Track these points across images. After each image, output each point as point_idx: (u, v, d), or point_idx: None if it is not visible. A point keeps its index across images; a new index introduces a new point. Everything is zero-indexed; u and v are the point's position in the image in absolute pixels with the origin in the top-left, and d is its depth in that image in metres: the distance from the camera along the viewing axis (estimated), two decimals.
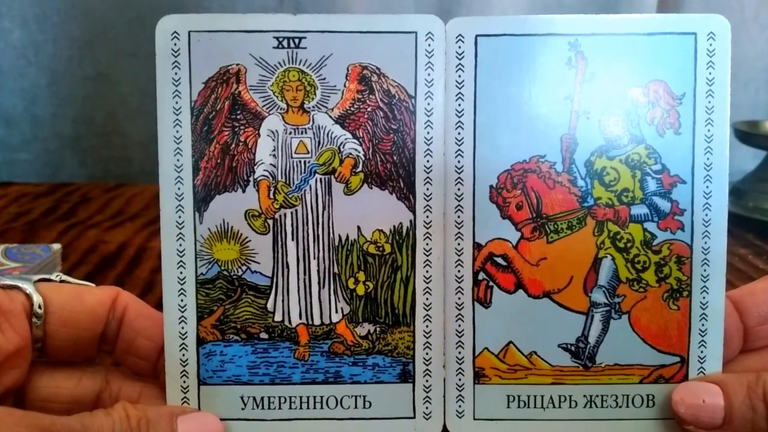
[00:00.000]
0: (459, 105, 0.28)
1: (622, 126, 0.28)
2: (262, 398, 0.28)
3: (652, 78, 0.28)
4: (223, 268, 0.28)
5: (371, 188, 0.28)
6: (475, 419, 0.29)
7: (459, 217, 0.28)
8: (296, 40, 0.27)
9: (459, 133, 0.28)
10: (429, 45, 0.28)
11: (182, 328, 0.28)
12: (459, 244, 0.28)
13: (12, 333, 0.27)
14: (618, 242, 0.29)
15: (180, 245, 0.28)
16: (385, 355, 0.28)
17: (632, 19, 0.28)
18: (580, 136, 0.28)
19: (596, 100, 0.28)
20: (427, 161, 0.28)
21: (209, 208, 0.28)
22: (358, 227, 0.28)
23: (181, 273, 0.28)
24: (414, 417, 0.28)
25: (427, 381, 0.28)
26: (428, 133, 0.28)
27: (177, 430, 0.27)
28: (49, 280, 0.29)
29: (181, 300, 0.28)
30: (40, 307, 0.27)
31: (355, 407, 0.28)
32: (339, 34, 0.27)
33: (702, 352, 0.29)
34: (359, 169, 0.28)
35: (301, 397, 0.28)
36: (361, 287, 0.29)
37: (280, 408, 0.28)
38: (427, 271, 0.28)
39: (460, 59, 0.28)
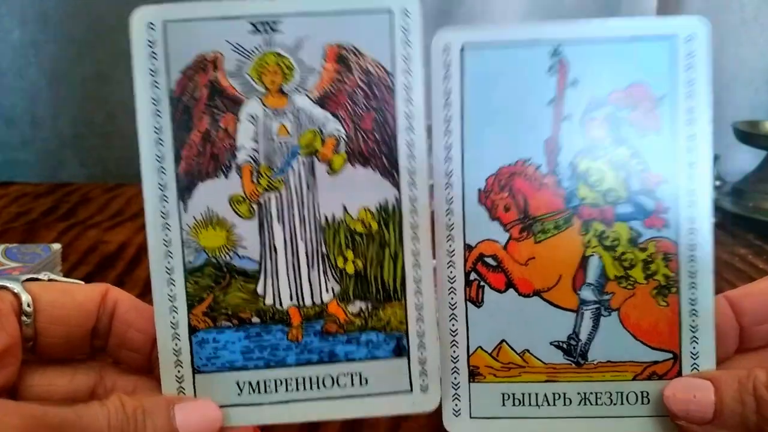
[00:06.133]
0: (446, 112, 0.29)
1: (604, 128, 0.29)
2: (258, 383, 0.28)
3: (633, 81, 0.29)
4: (210, 255, 0.28)
5: (354, 167, 0.28)
6: (471, 417, 0.29)
7: (450, 219, 0.29)
8: (271, 24, 0.27)
9: (447, 139, 0.29)
10: (405, 22, 0.28)
11: (173, 317, 0.28)
12: (450, 245, 0.29)
13: (0, 332, 0.26)
14: (604, 241, 0.29)
15: (166, 235, 0.28)
16: (378, 331, 0.28)
17: (613, 24, 0.29)
18: (564, 139, 0.29)
19: (578, 104, 0.29)
20: (409, 136, 0.28)
21: (193, 196, 0.28)
22: (344, 206, 0.28)
23: (168, 263, 0.28)
24: (411, 391, 0.28)
25: (422, 354, 0.28)
26: (408, 108, 0.28)
27: (175, 418, 0.26)
28: (37, 279, 0.29)
29: (171, 289, 0.28)
30: (29, 306, 0.27)
31: (352, 385, 0.28)
32: (314, 15, 0.27)
33: (694, 348, 0.29)
34: (341, 148, 0.28)
35: (296, 379, 0.28)
36: (351, 266, 0.28)
37: (276, 391, 0.28)
38: (414, 245, 0.28)
39: (446, 69, 0.29)
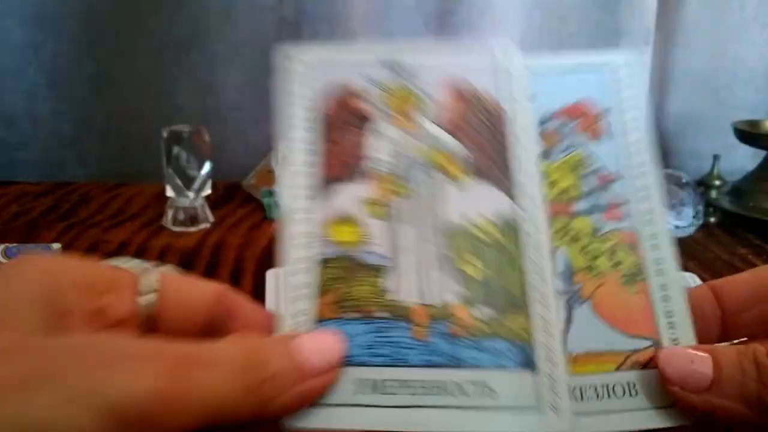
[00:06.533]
0: None
1: (557, 135, 0.32)
2: (379, 381, 0.26)
3: (580, 97, 0.33)
4: (342, 249, 0.29)
5: (475, 181, 0.30)
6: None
7: None
8: (395, 62, 0.32)
9: None
10: (506, 63, 0.32)
11: (301, 305, 0.28)
12: None
13: (120, 303, 0.26)
14: (568, 233, 0.31)
15: (300, 229, 0.29)
16: (504, 339, 0.27)
17: (560, 56, 0.34)
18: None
19: (533, 116, 0.32)
20: (521, 155, 0.31)
21: (329, 197, 0.30)
22: (468, 216, 0.30)
23: (301, 254, 0.29)
24: (541, 409, 0.26)
25: (551, 369, 0.27)
26: (518, 132, 0.31)
27: (296, 350, 0.25)
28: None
29: (301, 278, 0.28)
30: (156, 282, 0.27)
31: (478, 395, 0.26)
32: (433, 56, 0.32)
33: (673, 333, 0.29)
34: (462, 164, 0.30)
35: (420, 382, 0.26)
36: (475, 270, 0.29)
37: (397, 393, 0.26)
38: (535, 256, 0.29)
39: None
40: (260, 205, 0.81)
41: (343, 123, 0.31)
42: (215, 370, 0.23)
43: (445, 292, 0.28)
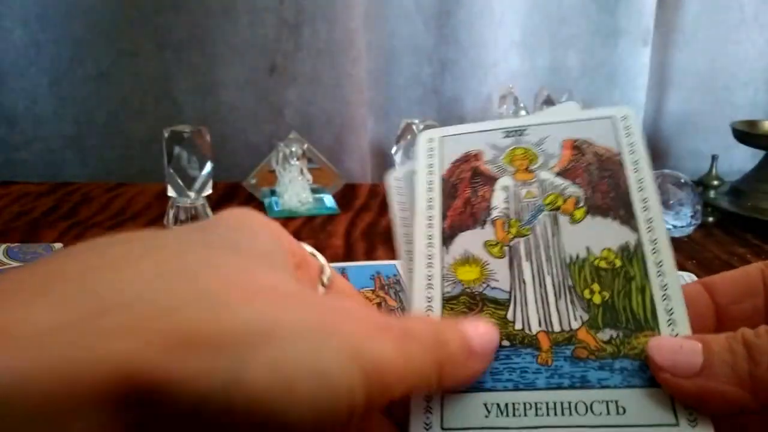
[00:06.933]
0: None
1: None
2: (507, 405, 0.27)
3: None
4: (465, 286, 0.31)
5: (594, 218, 0.32)
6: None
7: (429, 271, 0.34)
8: (520, 131, 0.35)
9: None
10: (625, 124, 0.34)
11: None
12: (429, 293, 0.32)
13: (306, 279, 0.27)
14: None
15: (429, 272, 0.31)
16: (632, 359, 0.27)
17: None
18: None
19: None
20: (642, 194, 0.32)
21: (454, 243, 0.32)
22: (587, 247, 0.31)
23: (429, 293, 0.31)
24: (677, 424, 0.26)
25: None
26: (637, 175, 0.32)
27: (466, 332, 0.26)
28: None
29: (429, 314, 0.30)
30: (327, 278, 0.28)
31: (608, 413, 0.26)
32: (552, 123, 0.35)
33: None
34: (581, 205, 0.32)
35: (547, 403, 0.27)
36: (597, 296, 0.29)
37: (525, 415, 0.27)
38: (662, 280, 0.29)
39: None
40: (260, 205, 0.81)
41: (469, 182, 0.34)
42: (418, 344, 0.24)
43: (567, 318, 0.29)
